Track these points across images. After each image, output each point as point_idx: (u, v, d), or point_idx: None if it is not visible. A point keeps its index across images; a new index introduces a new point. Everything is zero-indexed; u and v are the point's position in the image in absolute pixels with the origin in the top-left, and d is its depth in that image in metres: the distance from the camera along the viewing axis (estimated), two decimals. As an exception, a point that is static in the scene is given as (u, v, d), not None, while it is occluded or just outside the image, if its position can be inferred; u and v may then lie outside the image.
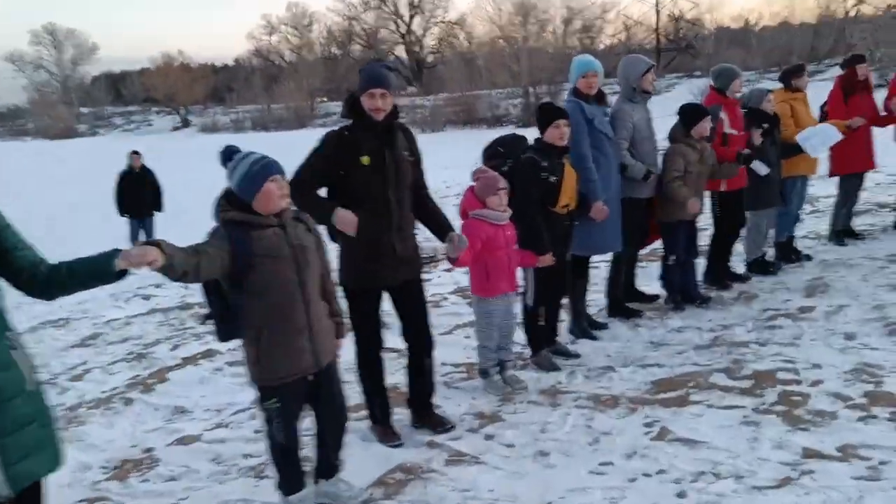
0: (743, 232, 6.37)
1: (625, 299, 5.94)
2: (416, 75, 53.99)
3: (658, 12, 51.78)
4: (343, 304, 3.62)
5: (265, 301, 3.05)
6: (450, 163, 18.16)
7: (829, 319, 5.14)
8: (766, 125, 5.99)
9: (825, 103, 7.08)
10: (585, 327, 5.44)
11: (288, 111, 45.21)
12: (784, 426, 3.66)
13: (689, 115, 5.57)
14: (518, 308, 4.80)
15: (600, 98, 5.23)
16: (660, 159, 5.62)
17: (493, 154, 4.87)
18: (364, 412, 4.18)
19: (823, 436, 3.52)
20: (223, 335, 3.20)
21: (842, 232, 7.18)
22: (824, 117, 6.99)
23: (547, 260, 4.64)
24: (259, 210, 3.05)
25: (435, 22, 57.05)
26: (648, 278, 6.19)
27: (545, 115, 4.70)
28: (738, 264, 6.55)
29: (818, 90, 6.70)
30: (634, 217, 5.49)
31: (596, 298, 5.93)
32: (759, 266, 6.43)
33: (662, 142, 5.63)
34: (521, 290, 4.76)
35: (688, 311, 5.71)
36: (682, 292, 5.82)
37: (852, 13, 44.80)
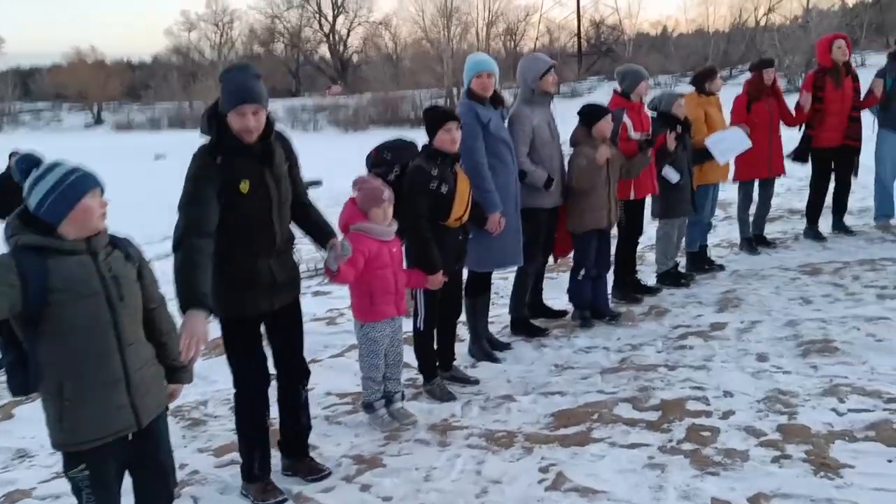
0: (650, 241, 6.02)
1: (531, 315, 5.50)
2: (340, 75, 53.03)
3: (580, 17, 52.43)
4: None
5: (67, 347, 2.41)
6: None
7: (741, 338, 4.81)
8: (678, 128, 5.63)
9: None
10: (486, 348, 4.96)
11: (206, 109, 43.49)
12: (692, 469, 3.24)
13: (589, 114, 5.16)
14: (408, 331, 4.27)
15: (497, 100, 4.76)
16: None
17: (379, 161, 4.32)
18: (228, 457, 3.59)
19: (734, 482, 3.11)
20: (16, 389, 2.54)
21: (755, 239, 6.93)
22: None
23: (437, 280, 4.13)
24: (68, 234, 2.41)
25: (359, 22, 56.18)
26: (558, 290, 5.76)
27: (433, 118, 4.19)
28: (648, 275, 6.20)
29: (731, 95, 6.43)
30: (537, 228, 5.04)
31: (501, 314, 5.47)
32: (670, 277, 6.09)
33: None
34: (410, 312, 4.23)
35: (596, 327, 5.30)
36: (591, 308, 5.40)
37: (762, 22, 46.32)
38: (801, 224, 7.57)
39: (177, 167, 3.71)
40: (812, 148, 6.87)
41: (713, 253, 6.78)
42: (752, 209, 6.92)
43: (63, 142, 36.71)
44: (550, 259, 5.54)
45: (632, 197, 5.59)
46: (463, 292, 4.85)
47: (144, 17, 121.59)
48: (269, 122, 3.20)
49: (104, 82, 48.78)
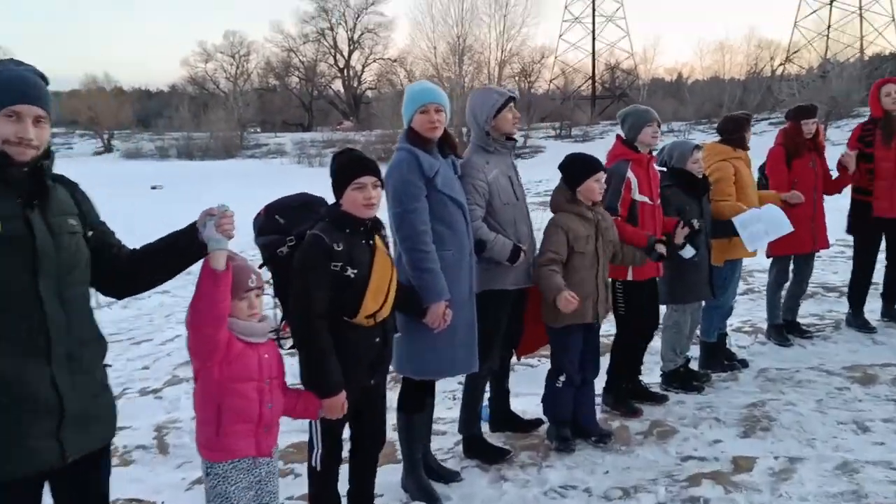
0: (658, 334, 4.64)
1: (493, 427, 4.13)
2: (352, 110, 52.29)
3: (594, 60, 51.63)
4: None
5: None
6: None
7: (777, 490, 3.37)
8: (694, 225, 4.28)
9: (764, 164, 5.47)
10: (425, 483, 3.55)
11: (215, 140, 42.84)
12: None
13: (573, 169, 3.83)
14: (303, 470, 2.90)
15: (448, 145, 3.44)
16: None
17: (268, 226, 3.00)
18: None
19: None
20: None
21: (786, 327, 5.51)
22: (764, 183, 5.36)
23: (336, 406, 2.78)
24: None
25: (374, 58, 55.63)
26: (534, 384, 4.36)
27: (343, 168, 2.87)
28: (650, 372, 4.80)
29: (752, 147, 5.11)
30: (497, 319, 3.69)
31: (450, 430, 4.08)
32: (679, 378, 4.67)
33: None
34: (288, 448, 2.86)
35: (578, 452, 3.89)
36: (573, 423, 4.00)
37: (778, 71, 45.29)
38: (839, 306, 6.16)
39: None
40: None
41: (734, 341, 5.37)
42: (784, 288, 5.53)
43: (62, 167, 35.95)
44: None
45: (629, 278, 4.22)
46: (398, 404, 3.52)
47: (162, 47, 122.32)
48: (49, 149, 2.06)
49: (116, 110, 48.13)
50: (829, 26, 45.07)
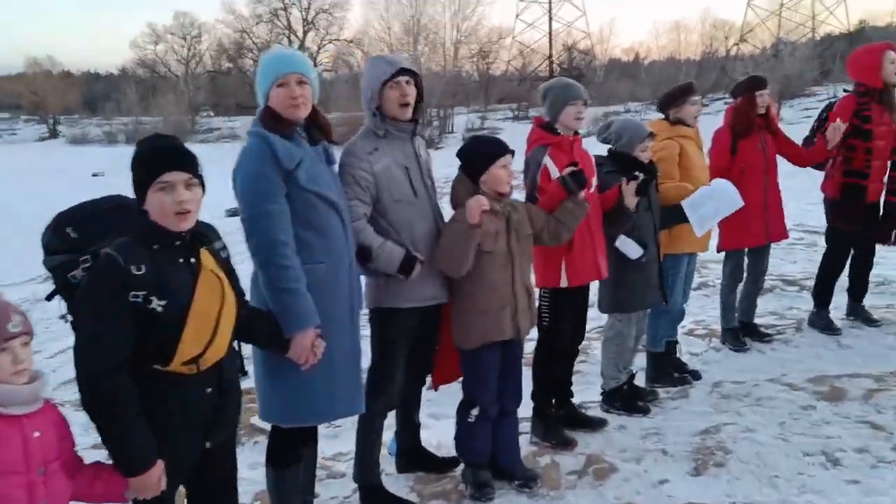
0: (591, 342, 3.95)
1: (401, 467, 3.40)
2: (308, 93, 50.83)
3: (551, 40, 50.90)
4: None
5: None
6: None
7: (735, 555, 2.69)
8: (638, 176, 3.55)
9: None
10: (302, 552, 2.81)
11: (165, 125, 41.17)
12: None
13: (474, 156, 3.08)
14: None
15: (317, 128, 2.67)
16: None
17: (58, 242, 2.21)
18: None
19: None
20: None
21: (742, 329, 4.86)
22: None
23: (147, 486, 2.03)
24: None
25: (330, 39, 54.08)
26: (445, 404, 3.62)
27: (143, 162, 2.08)
28: (587, 391, 4.10)
29: (704, 127, 4.41)
30: (394, 344, 2.95)
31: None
32: (622, 397, 3.97)
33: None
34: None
35: (498, 500, 3.17)
36: (493, 463, 3.28)
37: (733, 51, 45.14)
38: (801, 302, 5.54)
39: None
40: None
41: (685, 348, 4.69)
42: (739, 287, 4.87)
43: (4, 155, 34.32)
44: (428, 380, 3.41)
45: (563, 285, 3.49)
46: (266, 457, 2.79)
47: (111, 29, 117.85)
48: None
49: (62, 94, 46.09)
50: (781, 5, 44.99)
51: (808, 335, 4.90)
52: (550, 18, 50.89)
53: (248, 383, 2.53)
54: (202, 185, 2.11)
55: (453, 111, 38.24)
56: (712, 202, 3.89)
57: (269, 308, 2.51)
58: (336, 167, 2.79)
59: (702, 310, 5.66)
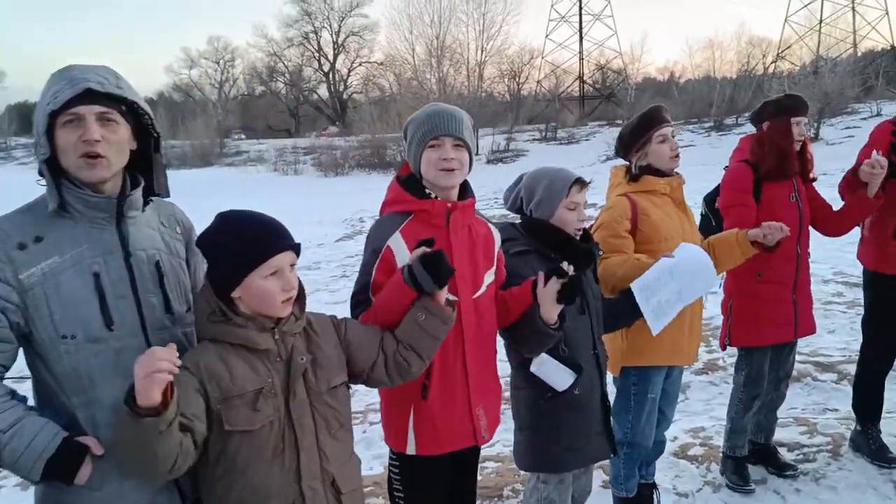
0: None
1: None
2: (338, 115, 50.20)
3: (582, 59, 49.40)
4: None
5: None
6: (325, 216, 14.85)
7: None
8: (566, 270, 2.13)
9: (710, 194, 3.36)
10: None
11: (193, 148, 40.84)
12: None
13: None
14: None
15: None
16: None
17: None
18: None
19: None
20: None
21: (755, 456, 3.38)
22: (714, 225, 3.25)
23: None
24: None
25: (360, 62, 53.46)
26: None
27: None
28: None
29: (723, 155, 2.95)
30: None
31: None
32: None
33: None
34: None
35: None
36: None
37: (771, 69, 43.09)
38: (840, 401, 4.01)
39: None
40: (874, 272, 3.37)
41: (671, 482, 3.23)
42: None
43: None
44: None
45: (410, 451, 2.09)
46: None
47: (149, 55, 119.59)
48: None
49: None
50: (820, 21, 42.77)
51: (850, 465, 3.37)
52: (581, 38, 49.43)
53: None
54: None
55: (479, 133, 37.00)
56: (676, 281, 2.45)
57: None
58: None
59: (707, 406, 4.18)
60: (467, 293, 2.07)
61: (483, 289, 2.12)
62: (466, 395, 2.08)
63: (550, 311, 2.08)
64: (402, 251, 2.00)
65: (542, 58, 48.27)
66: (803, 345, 4.80)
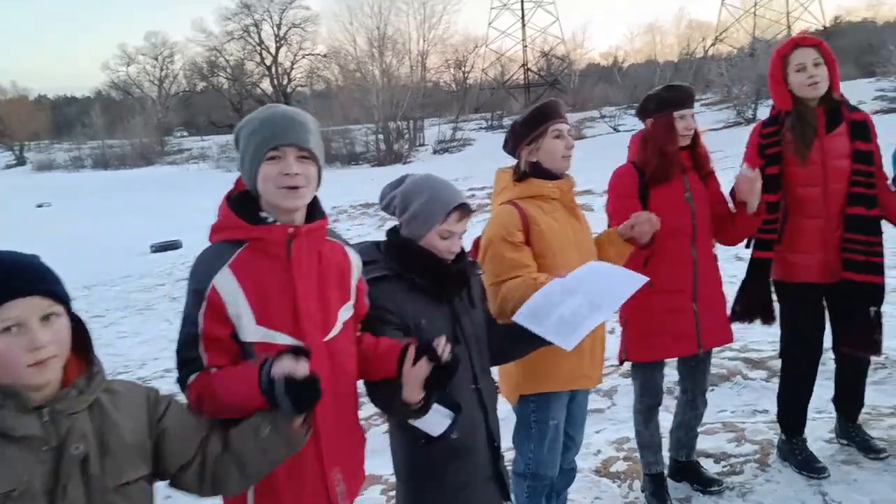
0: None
1: None
2: (280, 110, 49.25)
3: (525, 47, 49.33)
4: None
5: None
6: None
7: None
8: (443, 352, 1.81)
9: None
10: None
11: (133, 147, 39.58)
12: None
13: None
14: None
15: None
16: None
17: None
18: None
19: None
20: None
21: (679, 473, 3.13)
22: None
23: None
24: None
25: (303, 54, 52.47)
26: None
27: None
28: None
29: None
30: None
31: None
32: None
33: None
34: None
35: None
36: None
37: (710, 52, 43.63)
38: (770, 400, 3.80)
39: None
40: (778, 282, 3.11)
41: (590, 494, 2.96)
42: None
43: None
44: None
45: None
46: None
47: (88, 51, 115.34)
48: None
49: (28, 120, 44.30)
50: (755, 4, 43.53)
51: (778, 476, 3.14)
52: (524, 25, 49.36)
53: None
54: None
55: (424, 123, 36.64)
56: (578, 296, 2.13)
57: None
58: None
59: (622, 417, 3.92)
60: (317, 336, 1.72)
61: (337, 328, 1.78)
62: (319, 459, 1.73)
63: (415, 394, 1.76)
64: (232, 293, 1.64)
65: (486, 46, 48.07)
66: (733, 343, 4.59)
